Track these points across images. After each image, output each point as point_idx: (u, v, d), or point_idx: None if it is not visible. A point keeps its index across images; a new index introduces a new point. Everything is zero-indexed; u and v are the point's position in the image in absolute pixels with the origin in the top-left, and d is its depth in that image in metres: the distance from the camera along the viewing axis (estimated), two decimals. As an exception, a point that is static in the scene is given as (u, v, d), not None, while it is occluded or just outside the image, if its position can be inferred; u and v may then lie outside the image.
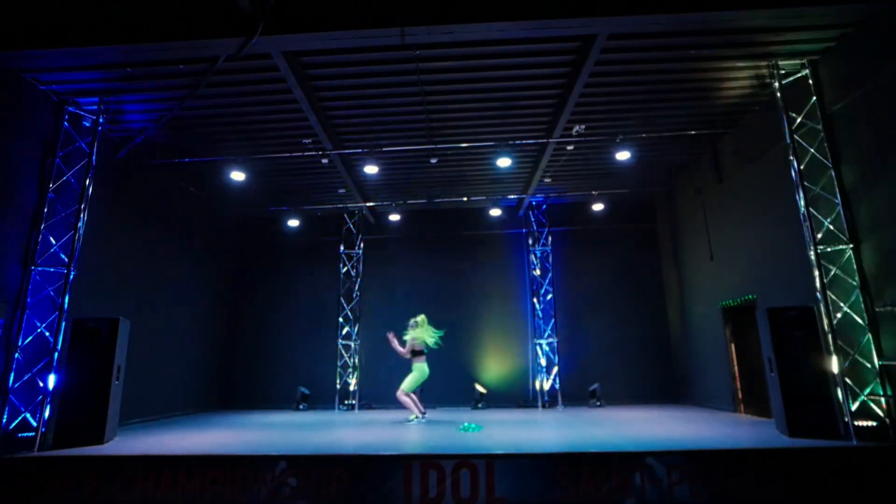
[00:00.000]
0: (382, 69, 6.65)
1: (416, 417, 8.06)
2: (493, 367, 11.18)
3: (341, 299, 11.34)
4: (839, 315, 5.89)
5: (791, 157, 6.39)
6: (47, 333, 6.31)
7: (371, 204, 11.26)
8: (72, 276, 6.46)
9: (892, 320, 5.42)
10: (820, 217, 6.15)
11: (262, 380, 11.44)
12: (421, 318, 8.47)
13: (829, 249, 6.03)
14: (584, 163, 9.52)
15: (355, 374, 11.01)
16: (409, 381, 8.18)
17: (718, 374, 9.02)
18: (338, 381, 10.83)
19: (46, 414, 6.00)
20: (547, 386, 10.67)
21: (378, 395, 10.96)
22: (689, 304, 10.25)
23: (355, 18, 5.68)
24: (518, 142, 8.49)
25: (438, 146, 8.41)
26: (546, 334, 10.95)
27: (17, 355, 6.04)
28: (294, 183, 10.22)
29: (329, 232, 12.00)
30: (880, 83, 5.47)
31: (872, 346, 5.61)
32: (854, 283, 5.85)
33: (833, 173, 6.12)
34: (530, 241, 11.65)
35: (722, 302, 8.80)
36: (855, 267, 5.87)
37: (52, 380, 6.11)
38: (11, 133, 6.17)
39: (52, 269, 6.46)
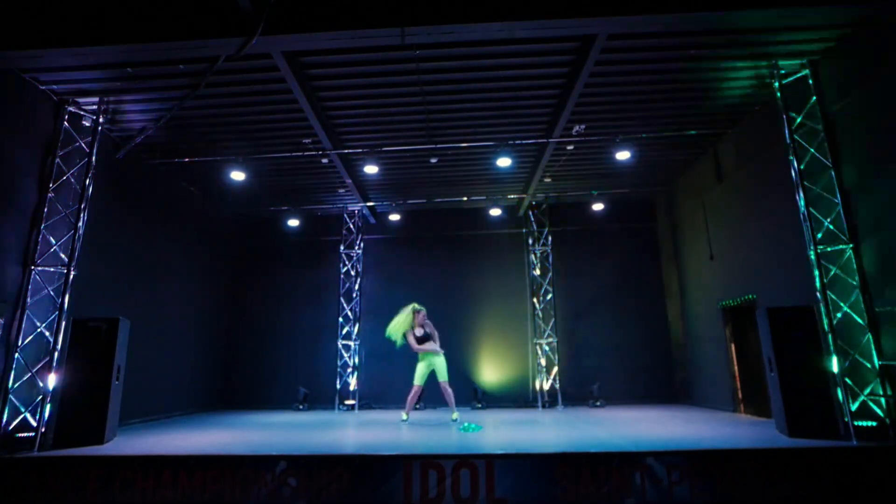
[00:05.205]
0: (382, 69, 6.64)
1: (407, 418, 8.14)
2: (493, 367, 11.17)
3: (341, 299, 11.34)
4: (839, 315, 5.88)
5: (791, 157, 6.39)
6: (47, 333, 6.31)
7: (371, 204, 11.27)
8: (72, 276, 6.46)
9: (892, 320, 5.42)
10: (820, 217, 6.15)
11: (262, 380, 11.43)
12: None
13: (829, 249, 6.03)
14: (584, 163, 9.51)
15: (355, 374, 11.01)
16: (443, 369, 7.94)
17: (718, 374, 9.02)
18: (338, 381, 10.83)
19: (46, 414, 5.99)
20: (547, 386, 10.67)
21: (378, 395, 10.97)
22: (689, 304, 10.25)
23: (355, 18, 5.67)
24: (518, 142, 8.48)
25: (438, 146, 8.41)
26: (546, 334, 10.95)
27: (17, 355, 6.03)
28: (294, 183, 10.20)
29: (329, 232, 12.00)
30: (880, 83, 5.48)
31: (872, 346, 5.61)
32: (854, 283, 5.85)
33: (833, 173, 6.12)
34: (530, 241, 11.64)
35: (722, 302, 8.80)
36: (855, 267, 5.87)
37: (52, 380, 6.11)
38: (11, 133, 6.17)
39: (52, 269, 6.46)
